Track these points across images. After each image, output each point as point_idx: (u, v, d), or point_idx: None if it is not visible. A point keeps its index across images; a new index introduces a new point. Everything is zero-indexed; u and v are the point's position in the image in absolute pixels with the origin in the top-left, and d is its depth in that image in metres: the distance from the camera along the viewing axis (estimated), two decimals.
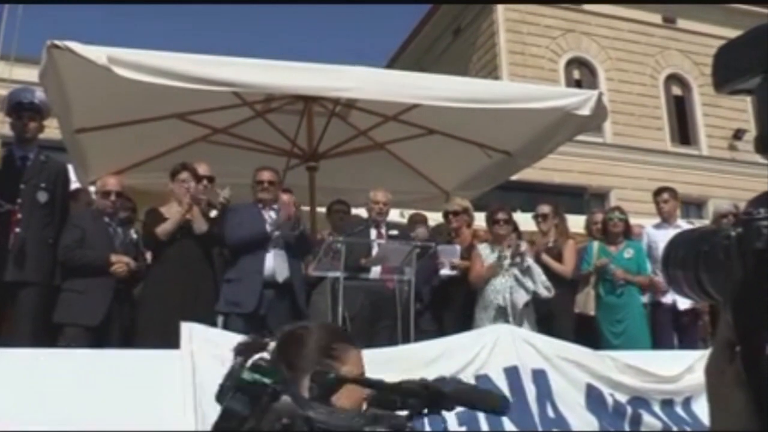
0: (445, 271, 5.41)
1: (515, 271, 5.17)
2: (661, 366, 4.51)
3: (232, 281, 4.80)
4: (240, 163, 5.69)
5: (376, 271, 5.01)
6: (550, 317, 5.45)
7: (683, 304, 5.76)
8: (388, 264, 5.00)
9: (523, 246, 5.26)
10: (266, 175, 5.09)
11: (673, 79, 21.07)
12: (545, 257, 5.61)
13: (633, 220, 6.75)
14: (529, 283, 5.14)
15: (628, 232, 5.98)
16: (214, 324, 4.19)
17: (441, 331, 5.16)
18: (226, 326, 4.56)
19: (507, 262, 5.21)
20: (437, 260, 5.36)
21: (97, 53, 4.20)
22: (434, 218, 6.58)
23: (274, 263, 4.83)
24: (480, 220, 5.86)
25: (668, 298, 5.81)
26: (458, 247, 5.46)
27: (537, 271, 5.23)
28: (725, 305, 0.76)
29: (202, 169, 5.12)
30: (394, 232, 5.37)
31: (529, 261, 5.24)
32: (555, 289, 5.26)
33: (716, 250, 0.78)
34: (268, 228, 4.88)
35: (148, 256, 4.94)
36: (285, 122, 6.35)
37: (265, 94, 5.96)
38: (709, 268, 0.79)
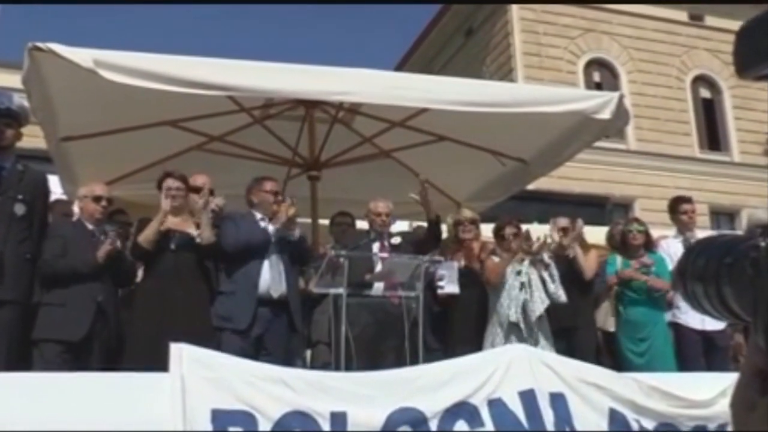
0: (444, 291, 5.35)
1: (532, 275, 5.13)
2: (692, 389, 4.43)
3: (224, 294, 4.77)
4: (237, 173, 5.68)
5: (378, 287, 4.97)
6: (571, 331, 5.40)
7: (711, 325, 5.65)
8: (394, 279, 4.96)
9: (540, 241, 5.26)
10: (275, 186, 5.09)
11: (701, 80, 21.03)
12: (578, 251, 5.56)
13: (658, 232, 6.68)
14: (549, 284, 5.10)
15: (650, 244, 5.90)
16: (208, 345, 4.14)
17: (449, 350, 5.12)
18: (221, 344, 4.52)
19: (526, 264, 5.18)
20: (436, 279, 5.32)
21: (83, 55, 4.19)
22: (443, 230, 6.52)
23: (270, 277, 4.79)
24: (487, 231, 5.82)
25: (696, 322, 5.68)
26: (456, 263, 5.42)
27: (555, 272, 5.20)
28: (755, 326, 0.69)
29: (201, 181, 5.10)
30: (397, 240, 5.32)
31: (548, 260, 5.21)
32: (576, 300, 5.24)
33: (742, 262, 0.71)
34: (271, 232, 4.85)
35: (140, 272, 4.92)
36: (285, 129, 6.33)
37: (263, 99, 5.95)
38: (733, 282, 0.72)
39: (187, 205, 4.92)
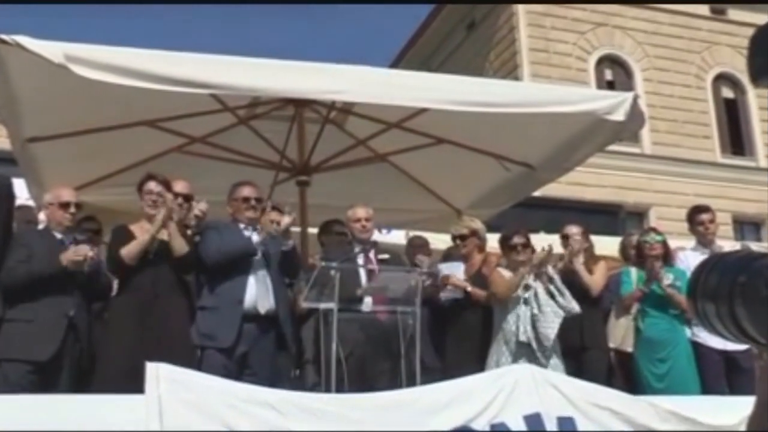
0: (446, 294, 5.37)
1: (538, 288, 5.15)
2: (712, 414, 4.44)
3: (207, 309, 4.76)
4: (220, 178, 5.68)
5: (367, 303, 5.00)
6: (579, 351, 5.43)
7: (733, 344, 5.65)
8: (388, 295, 4.97)
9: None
10: (252, 192, 5.10)
11: (723, 79, 21.12)
12: (577, 264, 5.57)
13: (676, 243, 6.70)
14: (558, 298, 5.11)
15: (668, 257, 5.91)
16: (189, 364, 4.16)
17: (449, 370, 5.14)
18: (202, 363, 4.53)
19: (530, 277, 5.20)
20: (438, 282, 5.33)
21: (53, 49, 4.19)
22: (444, 240, 6.55)
23: (257, 291, 4.81)
24: (492, 241, 5.83)
25: (717, 340, 5.68)
26: (462, 265, 5.44)
27: (561, 284, 5.23)
28: None
29: (180, 187, 5.12)
30: (385, 256, 5.35)
31: (552, 273, 5.23)
32: (583, 318, 5.27)
33: (757, 281, 0.72)
34: (255, 242, 4.87)
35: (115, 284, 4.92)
36: (272, 130, 6.36)
37: (249, 98, 5.98)
38: (747, 302, 0.73)
39: None
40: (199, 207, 5.19)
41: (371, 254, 5.30)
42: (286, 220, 4.94)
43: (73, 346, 4.50)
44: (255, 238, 4.89)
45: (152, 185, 4.86)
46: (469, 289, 5.38)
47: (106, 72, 4.37)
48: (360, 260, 5.25)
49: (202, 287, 4.88)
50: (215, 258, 4.80)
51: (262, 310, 4.79)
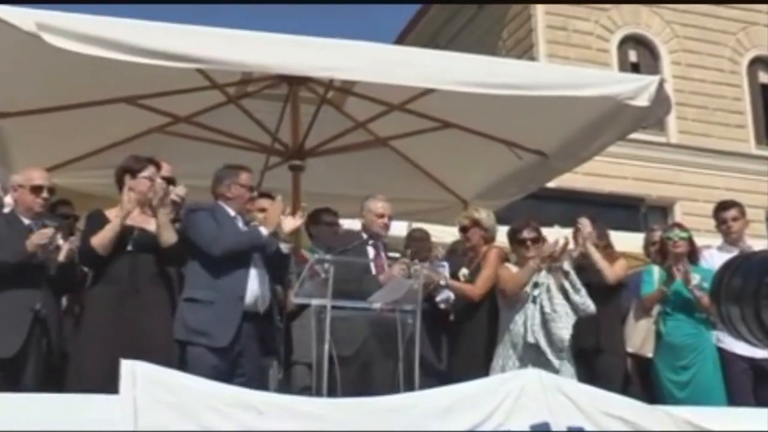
0: (442, 296, 5.38)
1: (551, 285, 5.16)
2: (734, 425, 4.46)
3: (198, 302, 4.68)
4: (206, 161, 5.67)
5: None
6: (593, 354, 5.46)
7: (761, 351, 5.65)
8: (388, 302, 4.98)
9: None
10: (252, 179, 5.09)
11: (760, 63, 21.07)
12: (591, 249, 5.57)
13: (703, 240, 6.70)
14: (573, 295, 5.12)
15: (694, 255, 5.92)
16: (170, 363, 4.16)
17: (451, 374, 5.18)
18: (187, 361, 4.52)
19: (542, 273, 5.22)
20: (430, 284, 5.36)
21: (23, 16, 4.18)
22: (452, 233, 6.56)
23: (259, 288, 4.76)
24: (502, 234, 5.83)
25: (742, 347, 5.66)
26: (446, 264, 5.45)
27: (577, 279, 5.23)
28: None
29: (163, 170, 5.10)
30: (395, 254, 5.36)
31: (568, 267, 5.24)
32: (599, 317, 5.30)
33: None
34: (263, 235, 4.83)
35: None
36: (264, 110, 6.38)
37: (239, 75, 5.98)
38: None
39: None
40: (176, 191, 5.12)
41: (382, 251, 5.33)
42: (292, 222, 4.94)
43: (40, 342, 4.51)
44: (263, 230, 4.83)
45: (153, 171, 4.82)
46: (444, 282, 5.38)
47: (83, 42, 4.36)
48: (370, 254, 5.29)
49: (184, 278, 4.84)
50: (228, 247, 4.71)
51: (262, 308, 4.78)
